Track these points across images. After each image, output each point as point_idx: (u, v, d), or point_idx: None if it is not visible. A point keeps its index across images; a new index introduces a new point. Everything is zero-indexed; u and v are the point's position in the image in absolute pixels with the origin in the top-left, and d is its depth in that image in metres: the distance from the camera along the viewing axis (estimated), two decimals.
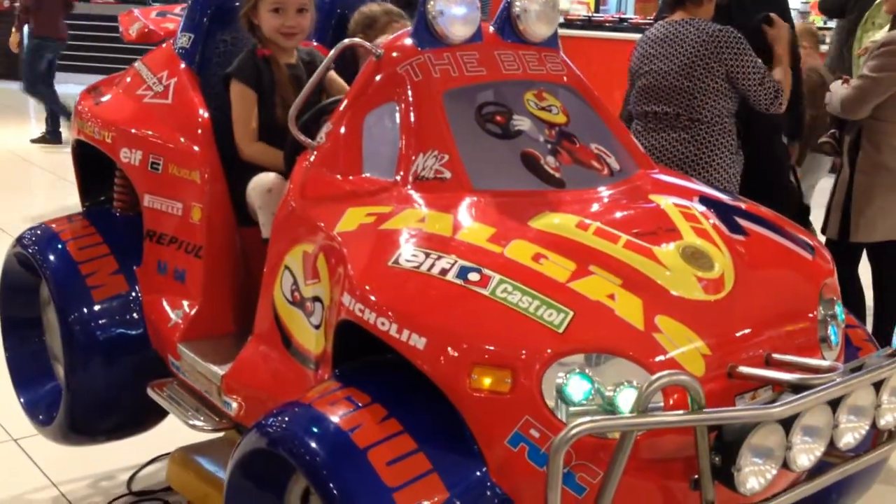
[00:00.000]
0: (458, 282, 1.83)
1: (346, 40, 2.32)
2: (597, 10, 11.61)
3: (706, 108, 3.48)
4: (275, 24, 2.56)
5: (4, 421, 3.45)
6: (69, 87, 10.42)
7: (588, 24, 9.73)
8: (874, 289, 3.88)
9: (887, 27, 4.61)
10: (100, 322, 2.69)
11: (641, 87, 3.59)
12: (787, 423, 1.69)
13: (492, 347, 1.74)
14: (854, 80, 3.79)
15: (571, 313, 1.77)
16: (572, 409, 1.69)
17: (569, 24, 10.00)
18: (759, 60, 3.47)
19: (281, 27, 2.56)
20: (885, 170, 3.71)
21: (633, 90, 3.68)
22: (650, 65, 3.56)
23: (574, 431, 1.55)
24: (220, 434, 2.64)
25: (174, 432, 2.96)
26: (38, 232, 2.89)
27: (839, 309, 2.11)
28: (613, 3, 12.48)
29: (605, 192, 2.22)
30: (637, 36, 9.10)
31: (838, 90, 3.77)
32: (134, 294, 2.73)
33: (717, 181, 3.48)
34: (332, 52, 2.33)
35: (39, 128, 8.67)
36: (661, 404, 1.72)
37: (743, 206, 2.31)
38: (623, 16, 10.61)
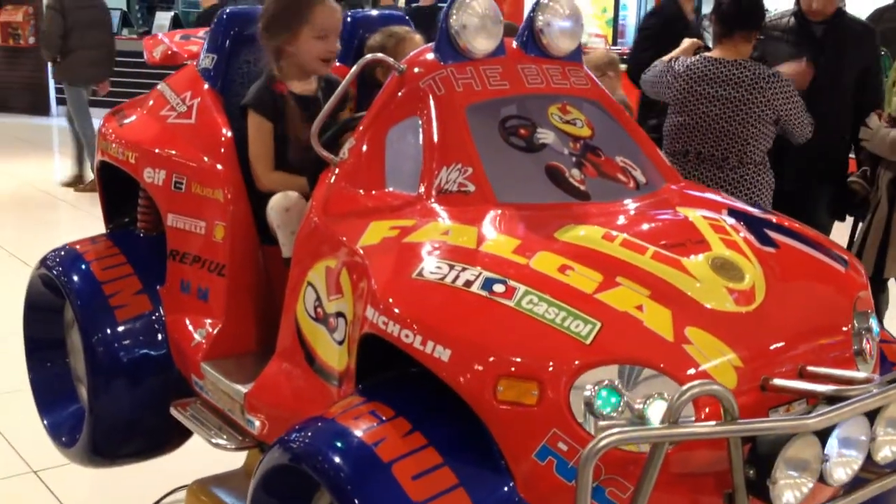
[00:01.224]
0: (483, 293, 1.80)
1: (369, 55, 2.32)
2: (615, 42, 11.63)
3: (756, 152, 3.52)
4: (318, 50, 2.53)
5: (25, 453, 3.45)
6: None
7: None
8: None
9: None
10: (123, 342, 2.68)
11: (683, 125, 3.56)
12: (824, 436, 1.64)
13: (518, 359, 1.70)
14: None
15: (599, 324, 1.73)
16: (601, 422, 1.66)
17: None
18: (800, 98, 3.53)
19: (324, 53, 2.54)
20: None
21: (670, 122, 3.62)
22: (696, 103, 3.52)
23: (603, 443, 1.51)
24: (240, 463, 2.61)
25: (193, 464, 2.96)
26: (62, 253, 2.90)
27: (874, 322, 2.07)
28: (631, 35, 12.51)
29: (631, 204, 2.19)
30: None
31: (883, 130, 3.65)
32: (157, 314, 2.72)
33: None
34: (354, 68, 2.32)
35: (65, 163, 8.69)
36: (693, 417, 1.68)
37: (773, 218, 2.27)
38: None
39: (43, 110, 12.30)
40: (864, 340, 2.00)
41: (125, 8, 13.06)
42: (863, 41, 4.02)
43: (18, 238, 5.63)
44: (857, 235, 3.86)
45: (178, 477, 3.08)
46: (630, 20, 12.53)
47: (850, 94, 3.92)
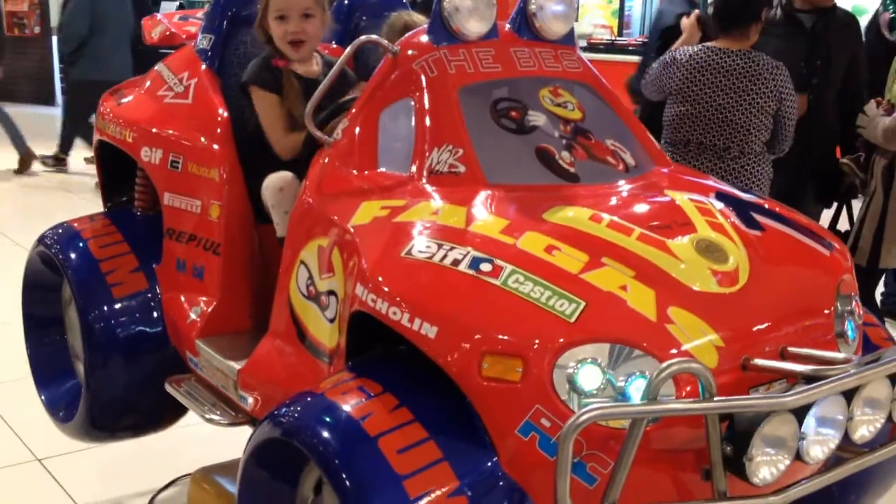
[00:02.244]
0: (470, 272, 1.83)
1: (363, 37, 2.34)
2: (620, 33, 11.60)
3: (756, 142, 3.53)
4: (279, 32, 2.54)
5: (28, 441, 3.48)
6: None
7: (612, 47, 9.74)
8: None
9: None
10: (119, 319, 2.72)
11: (685, 114, 3.56)
12: (801, 414, 1.67)
13: (503, 336, 1.73)
14: None
15: (583, 303, 1.76)
16: (583, 399, 1.69)
17: (592, 48, 10.00)
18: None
19: (285, 34, 2.54)
20: None
21: (671, 112, 3.62)
22: (699, 93, 3.52)
23: (583, 418, 1.54)
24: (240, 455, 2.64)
25: (196, 453, 3.00)
26: (60, 231, 2.93)
27: (857, 305, 2.09)
28: (637, 26, 12.47)
29: (619, 186, 2.21)
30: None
31: (878, 118, 3.66)
32: (154, 291, 2.75)
33: None
34: (348, 49, 2.35)
35: (71, 152, 8.66)
36: (674, 395, 1.71)
37: (760, 202, 2.30)
38: (646, 39, 10.58)
39: (49, 100, 12.30)
40: (847, 322, 2.03)
41: None
42: (850, 29, 4.04)
43: (25, 227, 5.65)
44: (855, 224, 3.87)
45: (181, 465, 3.11)
46: (636, 11, 12.49)
47: (840, 84, 3.94)
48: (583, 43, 10.03)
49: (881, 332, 2.45)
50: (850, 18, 4.12)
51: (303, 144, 2.45)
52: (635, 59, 9.10)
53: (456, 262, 1.85)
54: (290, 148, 2.52)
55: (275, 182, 2.49)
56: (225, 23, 2.84)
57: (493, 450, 1.74)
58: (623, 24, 11.88)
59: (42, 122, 10.66)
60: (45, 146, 8.46)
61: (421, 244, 1.93)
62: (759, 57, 3.52)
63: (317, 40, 2.63)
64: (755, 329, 1.86)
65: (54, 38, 12.23)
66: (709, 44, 3.62)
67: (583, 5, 12.16)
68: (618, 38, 10.75)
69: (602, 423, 1.65)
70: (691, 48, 3.64)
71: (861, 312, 2.12)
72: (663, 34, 4.33)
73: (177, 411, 2.85)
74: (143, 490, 3.14)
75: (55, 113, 11.88)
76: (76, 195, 7.31)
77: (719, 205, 2.15)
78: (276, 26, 2.55)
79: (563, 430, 1.55)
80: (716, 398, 1.61)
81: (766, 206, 2.28)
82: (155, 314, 2.74)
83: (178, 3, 12.01)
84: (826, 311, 1.99)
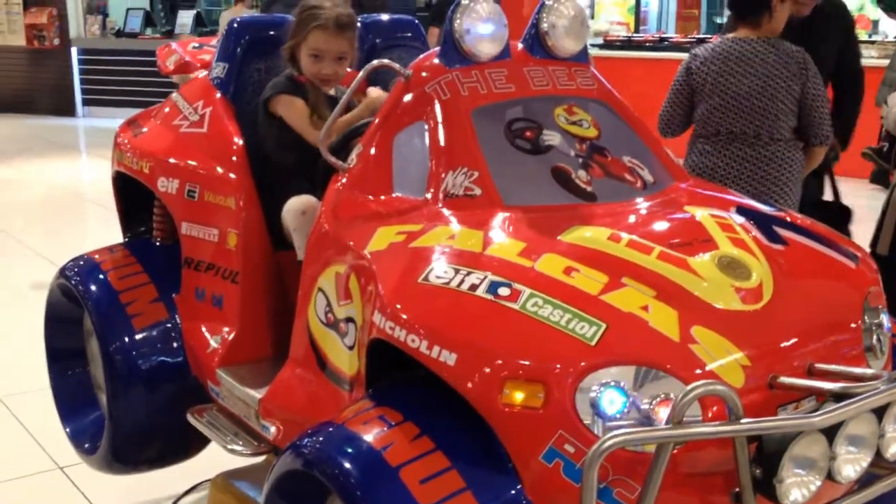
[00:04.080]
0: (489, 297, 1.81)
1: (375, 61, 2.33)
2: (636, 30, 11.58)
3: (785, 128, 3.53)
4: (312, 70, 2.60)
5: (51, 449, 3.50)
6: (106, 122, 10.59)
7: (628, 44, 9.73)
8: None
9: None
10: (140, 350, 2.72)
11: (714, 107, 3.56)
12: (831, 433, 1.64)
13: (523, 362, 1.71)
14: None
15: (604, 326, 1.74)
16: (607, 423, 1.66)
17: (609, 44, 9.96)
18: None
19: (314, 72, 2.60)
20: None
21: (703, 107, 3.61)
22: (726, 83, 3.53)
23: (608, 444, 1.51)
24: (261, 458, 2.64)
25: (216, 458, 2.95)
26: (81, 263, 2.94)
27: (885, 317, 2.05)
28: (654, 22, 12.45)
29: (638, 204, 2.19)
30: (680, 55, 9.01)
31: (894, 107, 3.68)
32: (173, 321, 2.75)
33: (792, 195, 3.56)
34: (360, 74, 2.34)
35: (91, 163, 8.73)
36: (700, 417, 1.68)
37: (782, 216, 2.26)
38: (663, 35, 10.57)
39: (69, 111, 12.45)
40: (875, 336, 1.99)
41: (148, 7, 13.16)
42: (835, 19, 4.03)
43: (46, 238, 5.72)
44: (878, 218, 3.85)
45: (202, 471, 3.11)
46: (652, 7, 12.47)
47: (831, 75, 3.93)
48: (599, 40, 10.04)
49: None
50: (834, 9, 4.09)
51: (317, 184, 2.44)
52: (652, 55, 9.10)
53: (474, 287, 1.83)
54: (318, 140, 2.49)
55: (296, 205, 2.49)
56: (239, 50, 2.85)
57: (516, 477, 1.71)
58: (640, 21, 11.86)
59: (62, 134, 10.77)
60: (65, 157, 8.47)
61: (438, 270, 1.91)
62: (779, 43, 3.55)
63: (341, 80, 2.68)
64: (781, 346, 1.83)
65: (73, 50, 12.41)
66: (728, 35, 3.64)
67: (599, 2, 12.16)
68: (634, 35, 10.73)
69: (629, 448, 1.61)
70: (711, 43, 3.65)
71: (890, 325, 2.08)
72: None
73: (200, 441, 2.85)
74: (165, 496, 3.15)
75: (76, 124, 12.04)
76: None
77: (740, 219, 2.12)
78: (309, 63, 2.60)
79: (587, 456, 1.52)
80: (743, 420, 1.58)
81: (788, 219, 2.25)
82: (175, 344, 2.73)
83: (195, 12, 12.12)
84: (853, 325, 1.96)
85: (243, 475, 2.87)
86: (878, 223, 3.79)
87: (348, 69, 2.92)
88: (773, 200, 3.48)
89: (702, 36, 9.70)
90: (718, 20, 12.63)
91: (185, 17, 12.15)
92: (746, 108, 3.52)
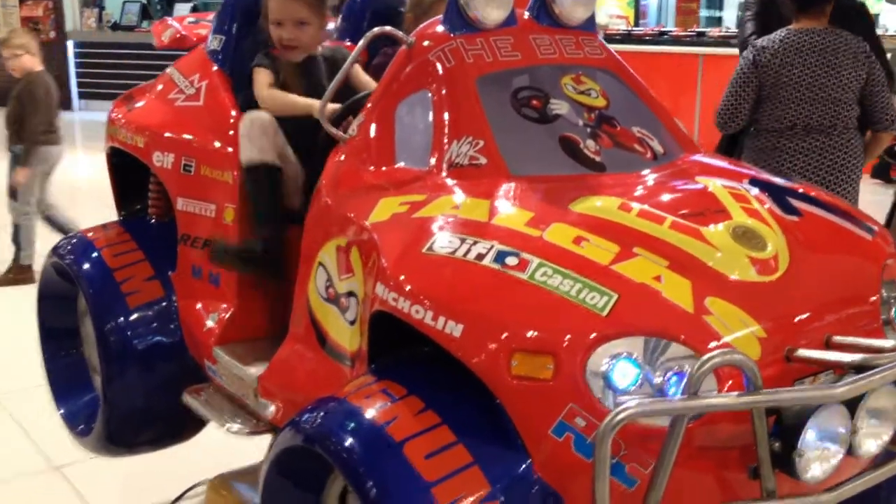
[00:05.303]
0: (496, 266, 1.75)
1: (376, 28, 2.26)
2: (636, 23, 11.51)
3: (854, 116, 3.55)
4: (275, 36, 2.58)
5: (47, 449, 3.43)
6: (102, 116, 10.53)
7: (628, 38, 9.65)
8: None
9: None
10: (136, 329, 2.65)
11: (787, 98, 3.52)
12: (852, 406, 1.58)
13: (532, 333, 1.65)
14: None
15: (616, 296, 1.67)
16: (619, 396, 1.60)
17: (608, 38, 9.89)
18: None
19: (278, 38, 2.57)
20: None
21: (773, 99, 3.56)
22: (800, 75, 3.50)
23: (620, 417, 1.46)
24: (261, 458, 2.57)
25: (214, 459, 2.94)
26: (74, 241, 2.88)
27: None
28: (653, 16, 12.37)
29: (648, 175, 2.12)
30: (680, 49, 8.94)
31: None
32: (170, 300, 2.68)
33: (858, 182, 3.62)
34: (360, 42, 2.27)
35: (86, 156, 8.55)
36: (715, 389, 1.61)
37: (796, 187, 2.20)
38: (663, 29, 10.50)
39: (65, 105, 12.35)
40: (893, 309, 1.93)
41: (145, 0, 13.06)
42: (860, 14, 4.00)
43: (41, 231, 5.63)
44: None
45: (199, 472, 3.05)
46: (651, 1, 12.40)
47: None
48: (599, 34, 9.93)
49: None
50: (850, 5, 4.04)
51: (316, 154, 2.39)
52: (652, 49, 9.04)
53: (480, 257, 1.77)
54: (269, 97, 2.51)
55: (250, 115, 2.49)
56: (235, 23, 2.78)
57: (525, 452, 1.65)
58: (639, 14, 11.79)
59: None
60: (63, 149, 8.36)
61: (443, 239, 1.85)
62: (843, 32, 3.54)
63: (312, 45, 2.62)
64: (798, 318, 1.77)
65: (69, 43, 12.31)
66: (791, 27, 3.58)
67: None
68: (634, 28, 10.65)
69: (641, 423, 1.55)
70: (776, 35, 3.59)
71: None
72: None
73: (197, 422, 2.78)
74: (162, 498, 3.08)
75: (73, 117, 11.93)
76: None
77: (754, 190, 2.06)
78: (273, 30, 2.59)
79: (599, 430, 1.46)
80: (762, 391, 1.52)
81: (802, 190, 2.18)
82: (172, 323, 2.67)
83: (192, 5, 12.04)
84: (872, 299, 1.90)
85: (241, 477, 2.81)
86: (887, 219, 3.77)
87: (348, 42, 2.86)
88: (844, 188, 3.53)
89: (702, 30, 9.63)
90: (718, 13, 12.57)
91: (182, 10, 12.05)
92: (822, 100, 3.50)
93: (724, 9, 12.77)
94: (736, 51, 7.13)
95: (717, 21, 12.45)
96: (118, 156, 2.98)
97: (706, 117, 7.30)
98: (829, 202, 2.16)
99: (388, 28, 2.28)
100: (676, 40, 9.04)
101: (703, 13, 11.91)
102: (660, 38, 9.35)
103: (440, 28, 2.23)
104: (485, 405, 1.68)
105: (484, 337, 1.66)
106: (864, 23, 4.06)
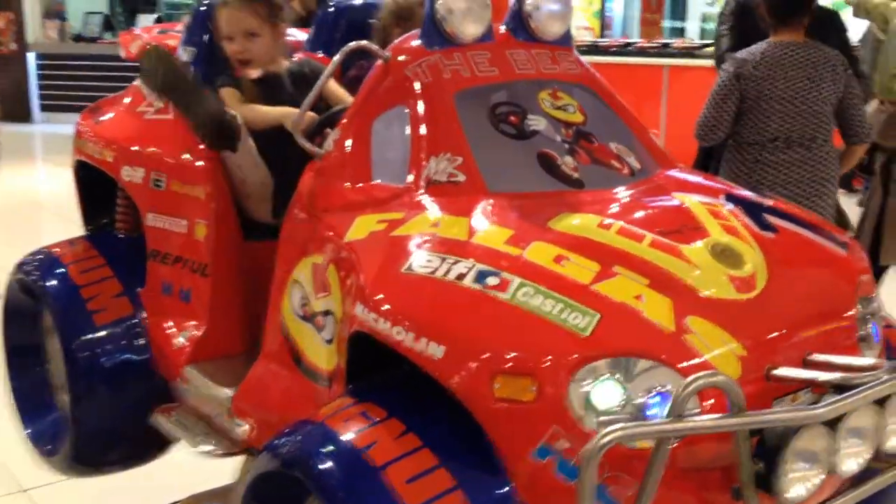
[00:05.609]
0: (477, 287, 1.73)
1: (352, 43, 2.24)
2: (601, 34, 11.58)
3: (831, 128, 3.57)
4: (228, 51, 2.56)
5: (16, 471, 3.34)
6: (64, 128, 10.37)
7: (594, 49, 9.69)
8: None
9: None
10: (103, 347, 2.60)
11: (769, 111, 3.52)
12: (833, 426, 1.58)
13: (514, 354, 1.63)
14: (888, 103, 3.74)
15: (597, 316, 1.66)
16: (602, 417, 1.59)
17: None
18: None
19: (231, 53, 2.55)
20: None
21: (754, 111, 3.56)
22: (783, 88, 3.50)
23: (606, 440, 1.44)
24: (235, 478, 2.52)
25: (186, 479, 2.89)
26: (39, 257, 2.82)
27: (877, 306, 2.01)
28: (618, 27, 12.45)
29: (626, 191, 2.12)
30: (645, 60, 8.91)
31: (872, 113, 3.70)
32: (138, 317, 2.63)
33: (835, 193, 3.64)
34: (336, 57, 2.24)
35: (47, 170, 8.36)
36: (698, 410, 1.61)
37: (770, 202, 2.21)
38: (628, 40, 10.57)
39: (24, 117, 12.16)
40: (869, 325, 1.94)
41: (107, 11, 12.89)
42: (833, 23, 4.03)
43: (4, 248, 5.53)
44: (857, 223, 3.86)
45: (171, 492, 2.98)
46: (616, 11, 12.48)
47: None
48: (573, 16, 9.95)
49: None
50: (826, 14, 4.09)
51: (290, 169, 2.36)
52: (617, 60, 9.10)
53: (461, 277, 1.75)
54: (247, 111, 2.49)
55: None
56: (206, 35, 2.74)
57: (508, 475, 1.63)
58: (605, 25, 11.86)
59: (18, 141, 10.50)
60: (21, 164, 8.23)
61: (422, 258, 1.83)
62: (822, 46, 3.57)
63: (266, 57, 2.58)
64: (776, 336, 1.77)
65: (30, 55, 12.11)
66: (771, 40, 3.59)
67: None
68: (599, 40, 10.70)
69: (626, 443, 1.54)
70: (757, 48, 3.60)
71: (883, 313, 2.03)
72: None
73: (164, 443, 2.73)
74: None
75: (32, 130, 11.74)
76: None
77: (729, 206, 2.06)
78: (226, 46, 2.58)
79: (585, 453, 1.45)
80: (746, 413, 1.51)
81: (776, 206, 2.19)
82: (140, 341, 2.62)
83: (156, 17, 11.92)
84: (848, 314, 1.90)
85: (213, 498, 2.77)
86: (857, 228, 3.79)
87: (320, 54, 2.83)
88: (823, 200, 3.55)
89: (666, 41, 9.70)
90: (680, 24, 12.68)
91: (146, 22, 11.90)
92: (805, 113, 3.51)
93: (687, 20, 12.89)
94: (701, 62, 7.23)
95: (681, 32, 12.55)
96: (85, 169, 2.92)
97: (672, 128, 7.35)
98: (802, 217, 2.17)
99: (364, 42, 2.25)
100: (642, 51, 9.11)
101: (667, 23, 12.01)
102: (625, 49, 9.42)
103: (417, 42, 2.22)
104: (466, 427, 1.66)
105: (465, 359, 1.65)
106: (839, 32, 4.10)
